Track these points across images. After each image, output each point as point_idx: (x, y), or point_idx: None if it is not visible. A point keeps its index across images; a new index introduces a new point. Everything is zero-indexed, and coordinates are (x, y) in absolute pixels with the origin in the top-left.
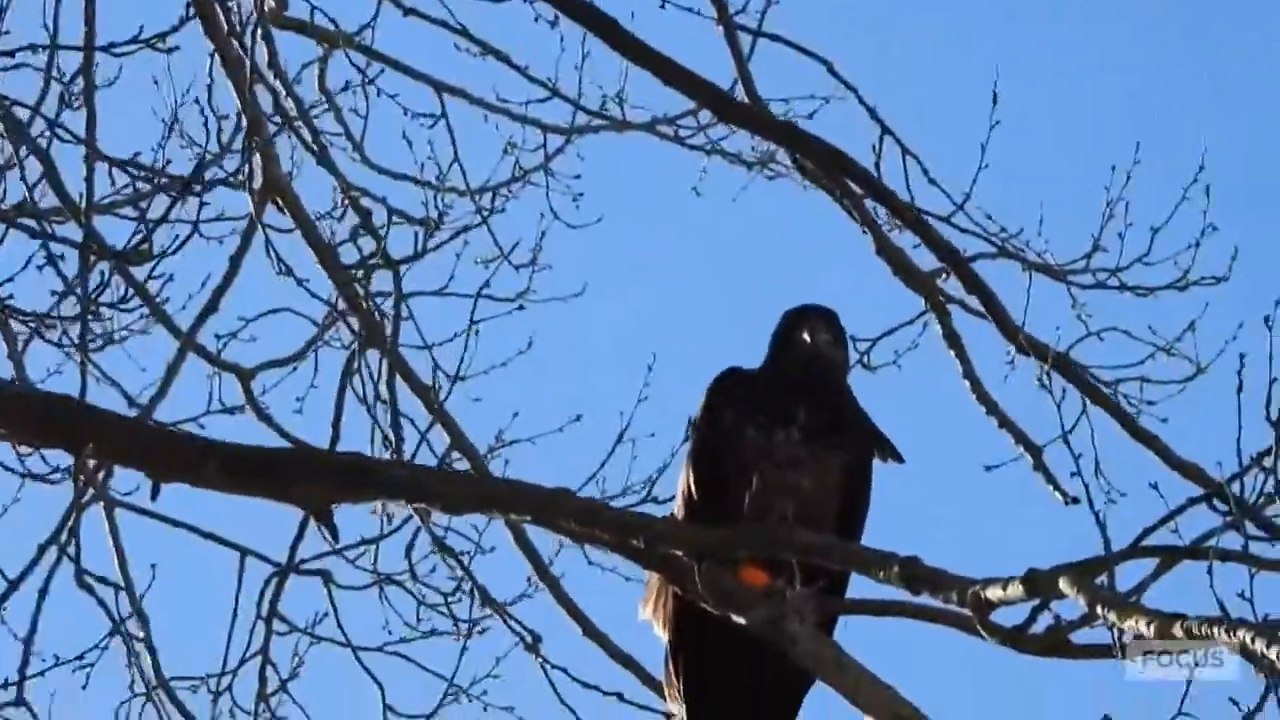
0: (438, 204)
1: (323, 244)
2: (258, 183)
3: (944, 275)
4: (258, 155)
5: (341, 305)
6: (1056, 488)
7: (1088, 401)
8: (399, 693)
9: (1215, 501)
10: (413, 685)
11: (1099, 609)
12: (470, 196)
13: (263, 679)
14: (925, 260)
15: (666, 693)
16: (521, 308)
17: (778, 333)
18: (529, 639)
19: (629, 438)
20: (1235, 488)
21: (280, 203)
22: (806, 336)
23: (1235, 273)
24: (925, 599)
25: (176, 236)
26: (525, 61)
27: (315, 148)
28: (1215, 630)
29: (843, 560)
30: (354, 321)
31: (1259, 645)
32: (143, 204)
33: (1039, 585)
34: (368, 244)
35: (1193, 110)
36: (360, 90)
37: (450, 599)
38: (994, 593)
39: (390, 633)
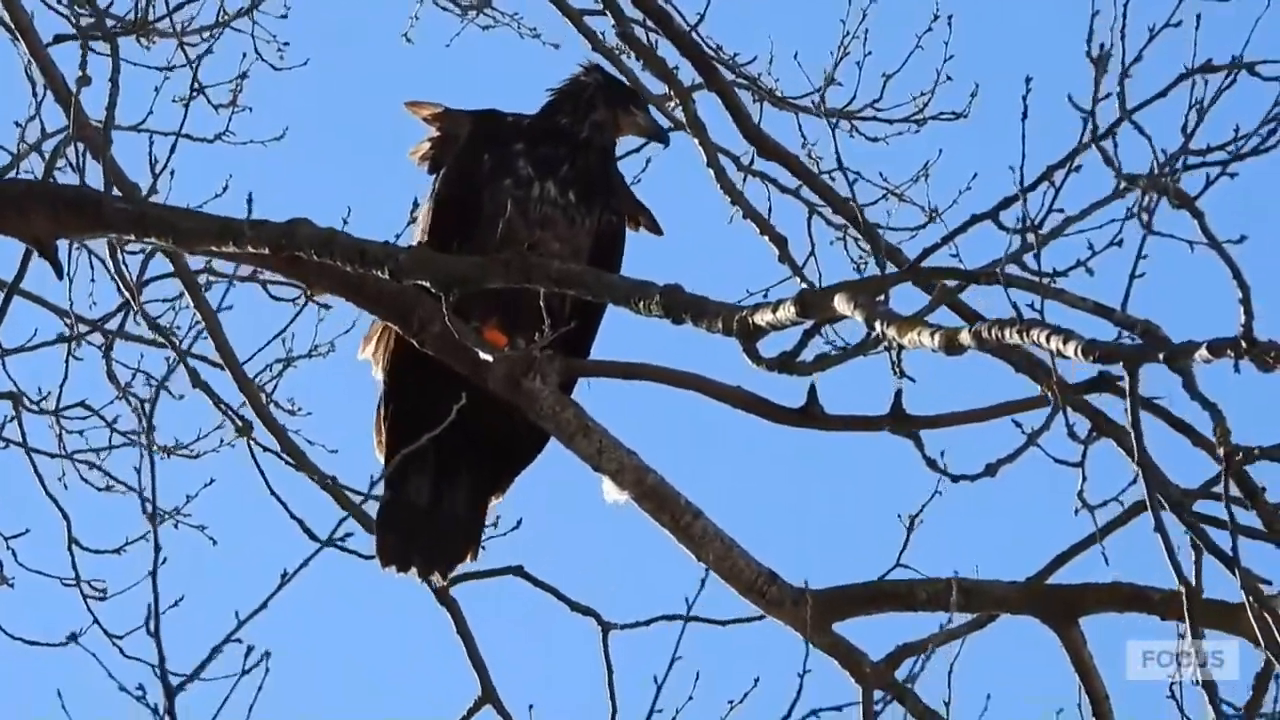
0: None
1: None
2: None
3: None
4: None
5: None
6: (802, 278)
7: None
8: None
9: (1000, 218)
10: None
11: (878, 325)
12: (178, 42)
13: None
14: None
15: (375, 441)
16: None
17: (578, 92)
18: (239, 424)
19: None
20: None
21: None
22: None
23: (973, 111)
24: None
25: None
26: None
27: None
28: (1006, 332)
29: (598, 290)
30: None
31: (1055, 343)
32: None
33: (812, 304)
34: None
35: None
36: None
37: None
38: (763, 317)
39: (86, 439)
